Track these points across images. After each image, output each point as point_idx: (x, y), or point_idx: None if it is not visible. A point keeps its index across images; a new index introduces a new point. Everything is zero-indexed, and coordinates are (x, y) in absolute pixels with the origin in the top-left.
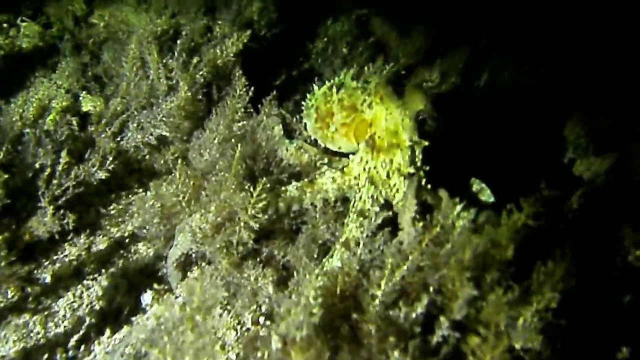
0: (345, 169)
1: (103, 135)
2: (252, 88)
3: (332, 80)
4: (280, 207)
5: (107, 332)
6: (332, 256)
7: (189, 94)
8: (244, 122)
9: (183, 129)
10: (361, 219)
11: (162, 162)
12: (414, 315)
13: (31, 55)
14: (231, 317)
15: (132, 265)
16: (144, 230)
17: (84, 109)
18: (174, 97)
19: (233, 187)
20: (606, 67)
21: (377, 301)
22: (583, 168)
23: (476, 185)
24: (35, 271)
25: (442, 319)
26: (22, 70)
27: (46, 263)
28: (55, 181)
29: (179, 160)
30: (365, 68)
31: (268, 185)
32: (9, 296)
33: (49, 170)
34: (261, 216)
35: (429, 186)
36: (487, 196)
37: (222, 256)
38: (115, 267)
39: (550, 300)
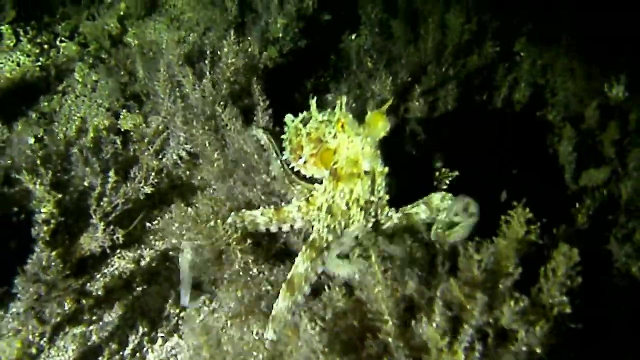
0: (310, 199)
1: (146, 153)
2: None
3: (302, 114)
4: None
5: (159, 340)
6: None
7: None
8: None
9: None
10: (312, 252)
11: (199, 177)
12: (434, 324)
13: (71, 74)
14: None
15: (177, 276)
16: None
17: (125, 127)
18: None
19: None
20: None
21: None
22: (586, 179)
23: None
24: (88, 284)
25: (465, 326)
26: (63, 89)
27: (98, 276)
28: (105, 199)
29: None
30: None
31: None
32: (66, 308)
33: (99, 188)
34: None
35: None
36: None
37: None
38: (163, 278)
39: (563, 305)
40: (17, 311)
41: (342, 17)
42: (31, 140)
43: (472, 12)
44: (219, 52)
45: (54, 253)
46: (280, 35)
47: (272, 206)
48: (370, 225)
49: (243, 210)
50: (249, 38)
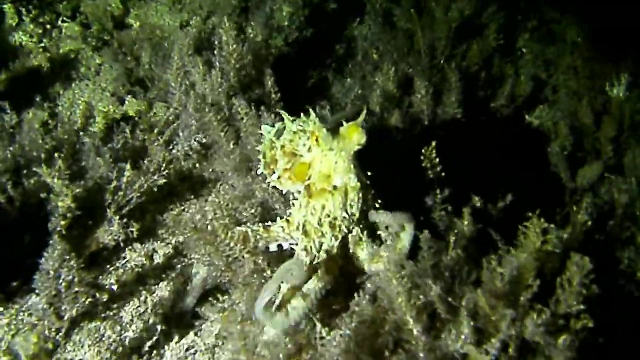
0: (289, 218)
1: (156, 144)
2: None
3: (277, 125)
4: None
5: (176, 337)
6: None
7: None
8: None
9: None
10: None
11: (210, 170)
12: (462, 336)
13: (75, 56)
14: None
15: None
16: None
17: (130, 112)
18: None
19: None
20: None
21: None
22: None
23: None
24: (101, 277)
25: (492, 340)
26: (67, 72)
27: (111, 269)
28: (120, 192)
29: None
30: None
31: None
32: (81, 303)
33: (114, 182)
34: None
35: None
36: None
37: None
38: (175, 273)
39: (586, 320)
40: (35, 306)
41: (347, 6)
42: (36, 125)
43: (478, 4)
44: (223, 39)
45: (68, 247)
46: (286, 23)
47: (261, 224)
48: (337, 242)
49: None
50: (252, 23)
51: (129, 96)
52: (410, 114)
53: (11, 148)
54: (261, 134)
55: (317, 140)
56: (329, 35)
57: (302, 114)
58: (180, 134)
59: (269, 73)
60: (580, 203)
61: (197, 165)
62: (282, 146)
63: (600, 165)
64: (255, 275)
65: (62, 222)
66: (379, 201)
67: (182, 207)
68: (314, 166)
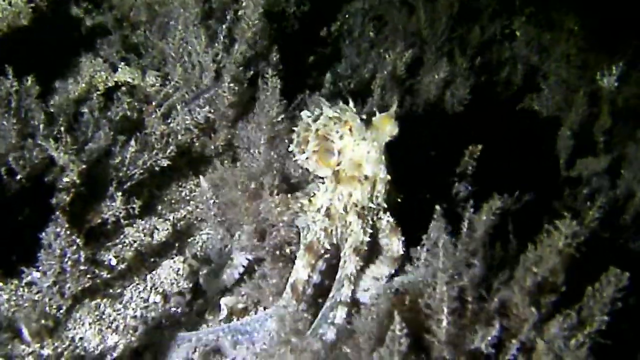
0: (312, 199)
1: (153, 116)
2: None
3: (315, 110)
4: None
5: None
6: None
7: (233, 84)
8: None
9: (228, 115)
10: (310, 257)
11: (212, 147)
12: (489, 338)
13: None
14: None
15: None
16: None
17: (122, 79)
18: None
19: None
20: None
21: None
22: (581, 167)
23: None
24: (101, 254)
25: (513, 341)
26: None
27: (110, 246)
28: (123, 168)
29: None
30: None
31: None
32: (82, 280)
33: (118, 157)
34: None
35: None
36: None
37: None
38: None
39: (601, 323)
40: (37, 283)
41: None
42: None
43: None
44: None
45: (73, 224)
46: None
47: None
48: (367, 237)
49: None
50: None
51: (122, 63)
52: (418, 98)
53: (13, 119)
54: (300, 117)
55: (350, 129)
56: (326, 10)
57: (340, 102)
58: (178, 107)
59: (275, 49)
60: (595, 201)
61: (196, 140)
62: (317, 130)
63: (607, 158)
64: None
65: (67, 198)
66: (401, 195)
67: (180, 183)
68: (345, 153)
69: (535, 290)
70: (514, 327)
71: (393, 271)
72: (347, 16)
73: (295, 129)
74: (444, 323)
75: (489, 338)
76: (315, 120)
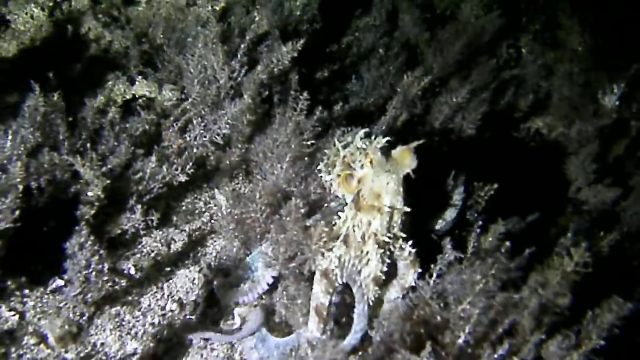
0: (333, 227)
1: (171, 130)
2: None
3: (348, 138)
4: None
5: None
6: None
7: (251, 100)
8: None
9: (245, 132)
10: (328, 284)
11: (227, 162)
12: (495, 356)
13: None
14: None
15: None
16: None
17: (140, 92)
18: (237, 102)
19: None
20: None
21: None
22: (590, 194)
23: None
24: (120, 262)
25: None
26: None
27: (129, 255)
28: (143, 182)
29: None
30: (405, 76)
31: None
32: (105, 288)
33: (139, 174)
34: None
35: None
36: None
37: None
38: (193, 262)
39: (596, 344)
40: (62, 291)
41: None
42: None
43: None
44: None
45: (96, 236)
46: (299, 14)
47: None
48: (385, 266)
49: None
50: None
51: (140, 77)
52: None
53: (37, 132)
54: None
55: (371, 161)
56: (336, 26)
57: (373, 137)
58: (194, 122)
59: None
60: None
61: (211, 154)
62: (344, 156)
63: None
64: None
65: (91, 211)
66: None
67: (195, 195)
68: (366, 183)
69: (539, 311)
70: (516, 345)
71: (400, 297)
72: (356, 32)
73: (326, 151)
74: (461, 340)
75: (495, 356)
76: (345, 147)
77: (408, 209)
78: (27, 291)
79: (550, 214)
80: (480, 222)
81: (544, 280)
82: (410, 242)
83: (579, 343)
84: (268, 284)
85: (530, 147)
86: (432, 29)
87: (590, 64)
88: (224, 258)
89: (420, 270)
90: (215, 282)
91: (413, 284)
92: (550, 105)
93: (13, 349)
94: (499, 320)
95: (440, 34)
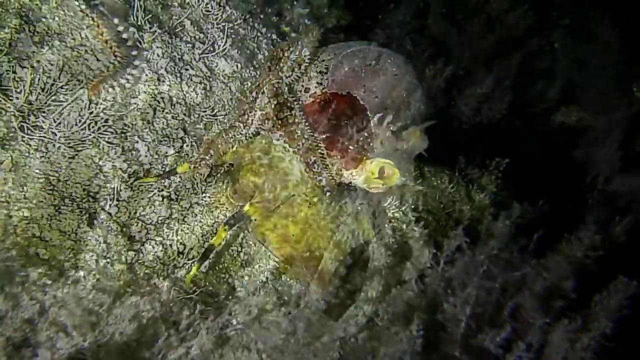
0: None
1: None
2: None
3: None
4: None
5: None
6: None
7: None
8: None
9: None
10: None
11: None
12: (498, 339)
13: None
14: None
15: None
16: None
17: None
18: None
19: None
20: None
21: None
22: (618, 184)
23: None
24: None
25: (519, 343)
26: None
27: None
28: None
29: None
30: (427, 70)
31: None
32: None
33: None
34: None
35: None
36: None
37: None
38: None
39: (605, 327)
40: (81, 281)
41: None
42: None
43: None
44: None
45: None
46: (325, 11)
47: None
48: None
49: None
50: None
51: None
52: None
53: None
54: None
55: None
56: (363, 21)
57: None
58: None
59: None
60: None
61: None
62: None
63: None
64: None
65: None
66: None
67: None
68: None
69: (544, 295)
70: (521, 329)
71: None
72: (385, 28)
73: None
74: (463, 324)
75: (498, 339)
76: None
77: (420, 188)
78: (50, 281)
79: (573, 203)
80: (491, 210)
81: (549, 264)
82: (422, 223)
83: (588, 327)
84: None
85: (559, 138)
86: (461, 24)
87: (623, 57)
88: None
89: (434, 251)
90: None
91: (428, 264)
92: (582, 98)
93: (32, 337)
94: (502, 302)
95: (470, 28)
